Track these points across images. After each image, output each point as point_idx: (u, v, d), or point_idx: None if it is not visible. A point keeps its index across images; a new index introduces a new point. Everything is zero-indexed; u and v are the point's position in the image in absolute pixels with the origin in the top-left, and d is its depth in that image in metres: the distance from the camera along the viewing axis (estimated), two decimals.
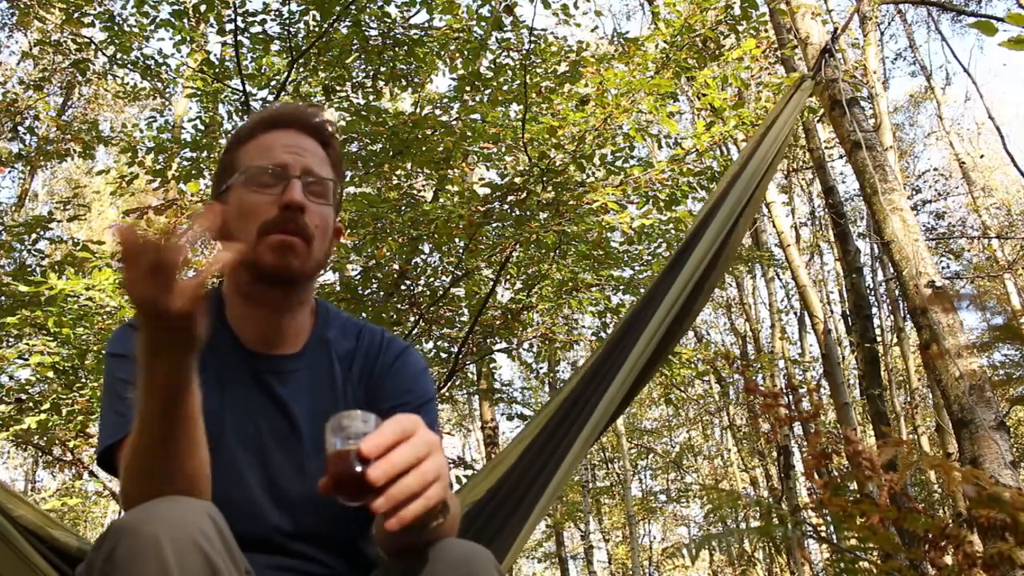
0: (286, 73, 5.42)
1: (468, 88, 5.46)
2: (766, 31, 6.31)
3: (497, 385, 8.85)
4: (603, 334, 6.40)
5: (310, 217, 1.19)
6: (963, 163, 13.74)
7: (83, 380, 4.80)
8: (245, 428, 1.19)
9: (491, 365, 8.18)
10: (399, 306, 5.71)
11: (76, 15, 5.71)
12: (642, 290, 5.81)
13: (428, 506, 0.87)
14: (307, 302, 1.28)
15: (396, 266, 5.57)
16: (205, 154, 5.67)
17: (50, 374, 4.66)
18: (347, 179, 5.70)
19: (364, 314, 5.25)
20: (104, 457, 1.13)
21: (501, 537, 1.75)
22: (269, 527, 1.16)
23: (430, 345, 6.19)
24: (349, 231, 5.31)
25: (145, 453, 0.98)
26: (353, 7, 5.03)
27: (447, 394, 7.18)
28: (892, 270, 4.11)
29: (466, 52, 5.51)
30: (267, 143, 1.23)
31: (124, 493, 1.02)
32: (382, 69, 5.54)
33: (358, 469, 0.84)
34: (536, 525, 1.81)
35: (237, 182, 1.21)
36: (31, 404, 5.03)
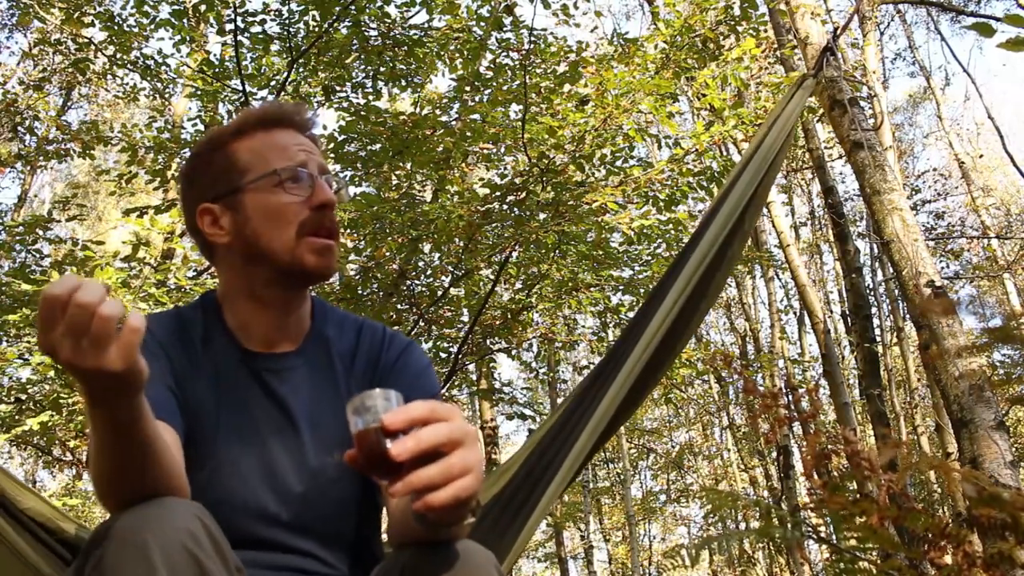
0: (286, 73, 5.43)
1: (468, 88, 5.47)
2: (766, 31, 6.31)
3: (497, 385, 8.85)
4: (603, 334, 6.40)
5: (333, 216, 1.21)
6: (963, 163, 13.74)
7: None
8: (243, 425, 1.18)
9: (491, 365, 8.19)
10: (399, 306, 5.72)
11: (76, 15, 5.71)
12: (642, 290, 5.82)
13: (459, 497, 0.81)
14: (308, 300, 1.28)
15: (396, 266, 5.58)
16: None
17: (51, 373, 4.66)
18: (347, 179, 5.71)
19: (364, 314, 5.26)
20: None
21: (504, 540, 1.76)
22: (269, 522, 1.16)
23: (430, 345, 6.20)
24: (349, 231, 5.31)
25: (106, 473, 0.95)
26: (353, 7, 5.03)
27: (447, 394, 7.18)
28: (892, 270, 4.11)
29: (466, 52, 5.52)
30: (279, 142, 1.20)
31: (97, 492, 1.01)
32: (382, 69, 5.54)
33: (387, 445, 0.80)
34: (536, 527, 1.82)
35: (261, 183, 1.18)
36: (31, 404, 5.03)
